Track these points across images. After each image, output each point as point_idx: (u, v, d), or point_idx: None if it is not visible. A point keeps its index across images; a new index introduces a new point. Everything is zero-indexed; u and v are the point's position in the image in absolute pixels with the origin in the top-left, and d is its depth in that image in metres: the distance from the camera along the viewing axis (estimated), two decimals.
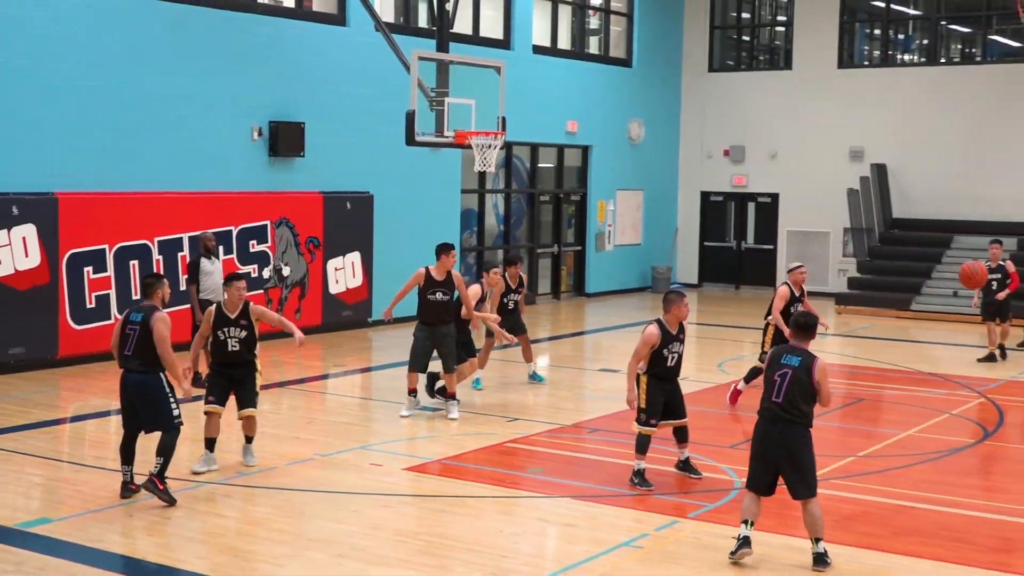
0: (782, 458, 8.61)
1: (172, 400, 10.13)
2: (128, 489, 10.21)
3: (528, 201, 26.21)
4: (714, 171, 29.96)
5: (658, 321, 10.88)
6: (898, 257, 26.54)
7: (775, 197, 29.29)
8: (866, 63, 28.80)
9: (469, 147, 17.07)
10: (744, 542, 8.70)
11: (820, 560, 8.63)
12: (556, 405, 14.96)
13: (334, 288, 20.60)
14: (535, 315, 23.95)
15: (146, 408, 10.08)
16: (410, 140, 16.68)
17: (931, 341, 21.87)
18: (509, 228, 25.49)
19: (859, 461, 12.10)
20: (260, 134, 19.44)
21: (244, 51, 19.17)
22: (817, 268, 28.54)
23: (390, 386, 15.91)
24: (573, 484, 11.02)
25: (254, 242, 19.21)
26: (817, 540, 8.67)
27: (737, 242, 29.92)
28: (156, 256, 17.61)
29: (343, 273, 20.79)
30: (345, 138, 20.89)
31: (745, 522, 8.75)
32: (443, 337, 13.75)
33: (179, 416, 10.15)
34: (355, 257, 20.98)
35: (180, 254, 17.90)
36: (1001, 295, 18.87)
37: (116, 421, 13.70)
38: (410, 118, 16.52)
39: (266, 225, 19.39)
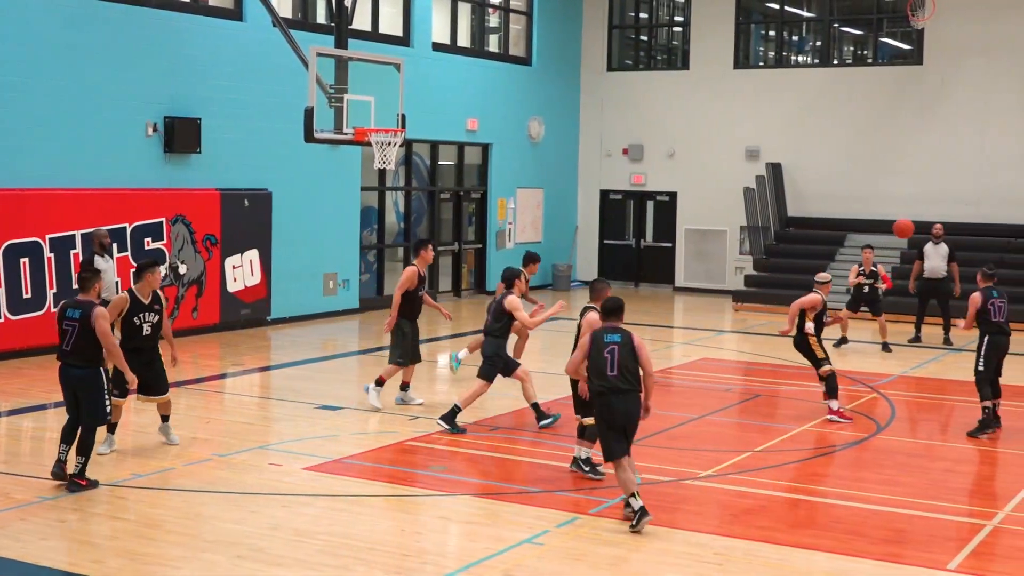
0: (628, 423, 9.73)
1: (106, 395, 10.46)
2: (61, 468, 10.40)
3: (428, 199, 26.17)
4: (613, 170, 30.17)
5: (591, 308, 11.15)
6: (793, 255, 26.97)
7: (673, 196, 29.59)
8: (761, 64, 29.23)
9: (369, 144, 17.00)
10: (643, 512, 9.44)
11: (644, 512, 9.47)
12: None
13: (232, 286, 20.38)
14: (435, 313, 23.86)
15: (87, 402, 10.38)
16: (309, 137, 16.56)
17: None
18: (409, 226, 25.42)
19: (756, 456, 12.27)
20: (155, 130, 19.15)
21: (139, 45, 18.86)
22: (714, 266, 28.89)
23: (289, 386, 15.79)
24: (474, 482, 11.04)
25: (149, 239, 18.92)
26: (635, 495, 9.53)
27: (636, 240, 30.17)
28: (48, 254, 17.26)
29: (241, 271, 20.57)
30: (243, 134, 20.67)
31: (633, 495, 9.53)
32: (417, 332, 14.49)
33: (109, 411, 10.59)
34: (253, 255, 20.77)
35: (73, 252, 17.55)
36: (881, 286, 19.82)
37: (5, 424, 13.39)
38: (309, 115, 16.40)
39: (162, 222, 19.11)
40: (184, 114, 19.56)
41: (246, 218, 20.56)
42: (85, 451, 10.35)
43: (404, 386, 14.53)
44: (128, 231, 18.55)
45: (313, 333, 20.75)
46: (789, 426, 13.81)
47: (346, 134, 16.98)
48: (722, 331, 22.83)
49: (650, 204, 30.13)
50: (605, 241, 30.41)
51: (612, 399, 9.67)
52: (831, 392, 14.11)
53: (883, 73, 27.32)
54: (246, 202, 20.62)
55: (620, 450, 9.69)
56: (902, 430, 13.87)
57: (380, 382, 14.20)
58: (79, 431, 10.40)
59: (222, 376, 16.65)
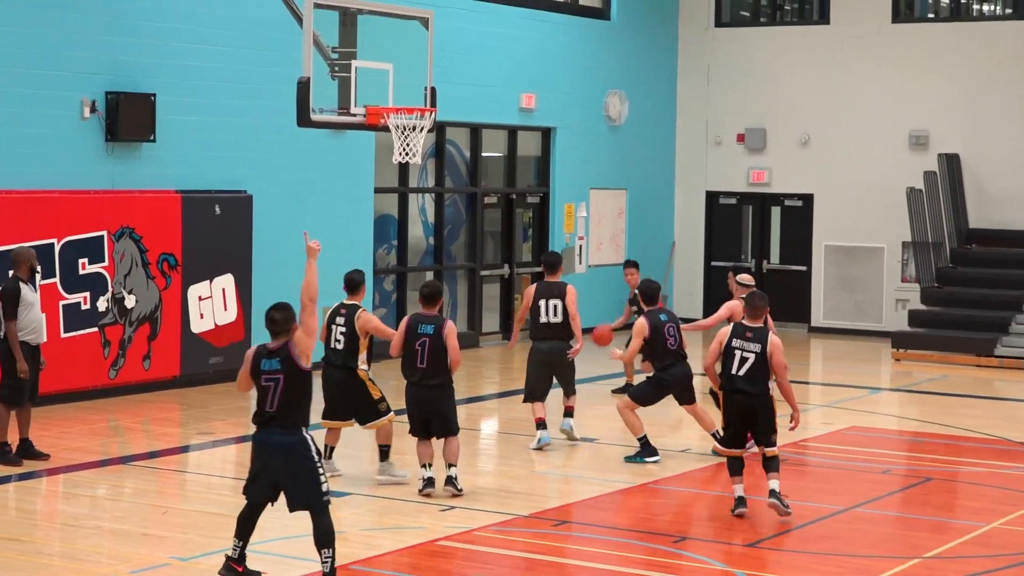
0: (434, 415, 14.10)
1: None
2: None
3: (468, 204, 26.24)
4: (724, 163, 30.11)
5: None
6: (977, 283, 26.74)
7: (808, 199, 29.48)
8: (931, 16, 29.09)
9: (386, 129, 17.05)
10: (429, 482, 14.02)
11: (450, 482, 14.06)
12: (507, 487, 14.96)
13: (197, 325, 20.50)
14: (478, 362, 23.95)
15: None
16: (303, 119, 16.63)
17: (1023, 399, 22.07)
18: (441, 242, 25.48)
19: (926, 565, 12.16)
20: (94, 110, 19.33)
21: None
22: (866, 298, 28.72)
23: None
24: None
25: (84, 261, 19.07)
26: (451, 466, 14.08)
27: (757, 261, 30.07)
28: None
29: (210, 304, 20.69)
30: (212, 116, 20.82)
31: (425, 465, 14.09)
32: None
33: None
34: (227, 281, 20.89)
35: None
36: None
37: None
38: (303, 89, 16.48)
39: (102, 237, 19.27)
40: (132, 88, 19.73)
41: (217, 231, 20.68)
42: None
43: (541, 423, 16.88)
44: (56, 249, 18.72)
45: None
46: (973, 523, 13.67)
47: (354, 115, 17.06)
48: (878, 389, 22.66)
49: (776, 211, 30.02)
50: (713, 263, 30.33)
51: (418, 391, 14.20)
52: None
53: None
54: (217, 209, 20.75)
55: (420, 432, 14.29)
56: None
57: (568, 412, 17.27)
58: None
59: (183, 449, 16.73)
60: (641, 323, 15.92)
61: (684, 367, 15.99)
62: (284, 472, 10.79)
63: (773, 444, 13.62)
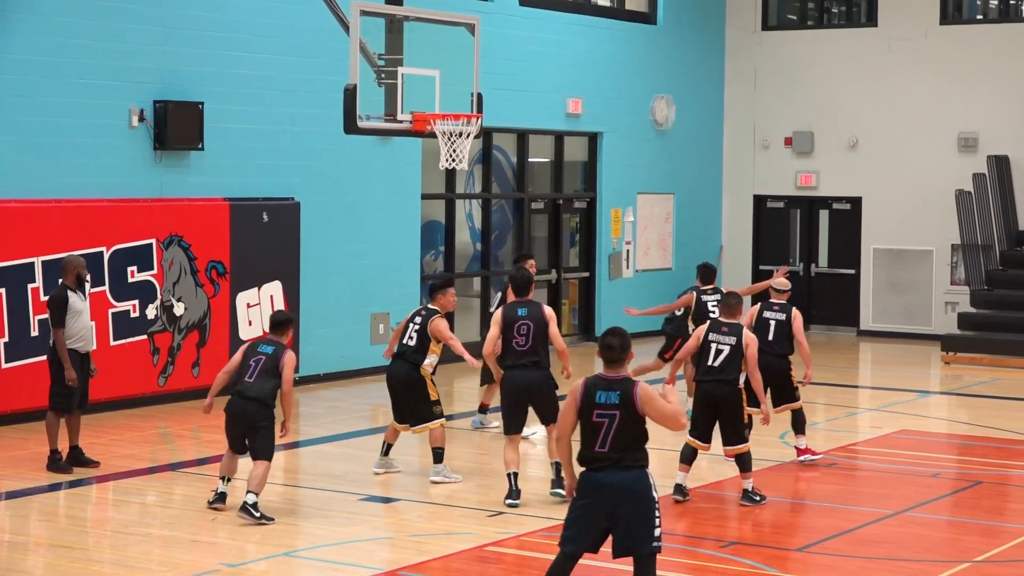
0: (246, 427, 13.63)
1: None
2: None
3: (515, 210, 26.25)
4: (772, 167, 30.04)
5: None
6: None
7: (857, 203, 29.38)
8: (980, 17, 28.94)
9: (433, 135, 17.07)
10: (221, 497, 13.63)
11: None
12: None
13: (246, 332, 20.54)
14: None
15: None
16: (351, 127, 16.66)
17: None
18: (489, 248, 25.50)
19: (977, 569, 12.10)
20: (142, 119, 19.43)
21: (119, 4, 19.16)
22: (915, 301, 28.58)
23: (325, 469, 15.89)
24: None
25: (133, 269, 19.16)
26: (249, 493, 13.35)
27: (806, 265, 29.97)
28: None
29: (258, 311, 20.75)
30: (260, 124, 20.89)
31: (223, 479, 13.72)
32: None
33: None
34: (275, 288, 20.95)
35: (31, 286, 17.84)
36: None
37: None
38: (350, 96, 16.51)
39: (151, 245, 19.36)
40: (181, 97, 19.82)
41: (265, 239, 20.75)
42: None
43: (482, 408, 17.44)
44: (105, 257, 18.80)
45: (357, 395, 20.85)
46: None
47: (401, 122, 17.09)
48: (928, 392, 22.55)
49: (824, 215, 29.92)
50: (761, 267, 30.25)
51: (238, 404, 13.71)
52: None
53: None
54: (265, 216, 20.82)
55: (231, 446, 14.05)
56: None
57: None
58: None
59: None
60: (497, 316, 14.58)
61: (531, 371, 14.35)
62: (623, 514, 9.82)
63: (738, 443, 14.19)
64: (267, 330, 14.72)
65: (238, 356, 13.85)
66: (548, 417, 14.31)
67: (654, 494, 9.74)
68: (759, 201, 30.38)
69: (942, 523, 13.97)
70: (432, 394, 14.95)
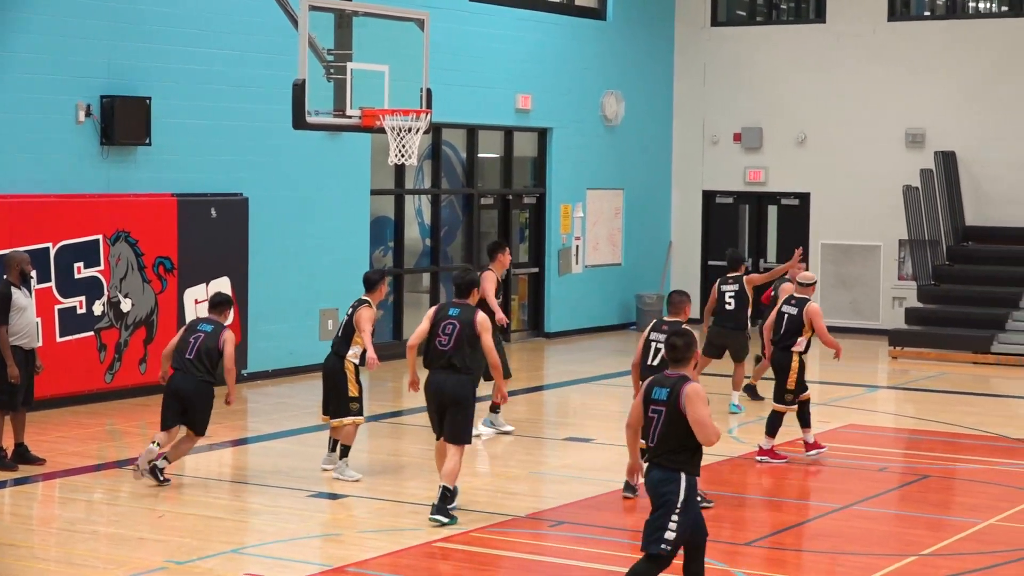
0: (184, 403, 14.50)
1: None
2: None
3: (465, 205, 26.22)
4: (721, 163, 30.10)
5: None
6: (974, 280, 26.75)
7: (805, 198, 29.47)
8: (928, 14, 29.05)
9: (382, 131, 17.05)
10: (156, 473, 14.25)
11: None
12: (505, 488, 14.95)
13: None
14: None
15: None
16: (299, 122, 16.63)
17: (1020, 395, 22.06)
18: (438, 243, 25.47)
19: (923, 562, 12.15)
20: (89, 114, 19.33)
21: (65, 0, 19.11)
22: (862, 296, 28.70)
23: (272, 466, 15.83)
24: None
25: (80, 265, 19.06)
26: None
27: (754, 260, 30.04)
28: None
29: (206, 307, 20.65)
30: (208, 119, 20.80)
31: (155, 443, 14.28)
32: None
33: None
34: (223, 284, 20.86)
35: None
36: None
37: None
38: (299, 91, 16.47)
39: (97, 241, 19.27)
40: (128, 92, 19.72)
41: (213, 234, 20.68)
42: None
43: (494, 407, 17.44)
44: (51, 253, 18.70)
45: (306, 392, 20.78)
46: (970, 520, 13.67)
47: (350, 117, 17.06)
48: (875, 387, 22.65)
49: (772, 210, 30.01)
50: (710, 262, 30.32)
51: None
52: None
53: None
54: (213, 212, 20.74)
55: (163, 424, 14.65)
56: None
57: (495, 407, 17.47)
58: None
59: None
60: (430, 312, 14.08)
61: (448, 374, 13.46)
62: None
63: None
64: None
65: (178, 335, 14.76)
66: (451, 429, 13.20)
67: (676, 499, 9.86)
68: (708, 197, 30.43)
69: (889, 517, 14.01)
70: (351, 390, 14.85)
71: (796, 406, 16.19)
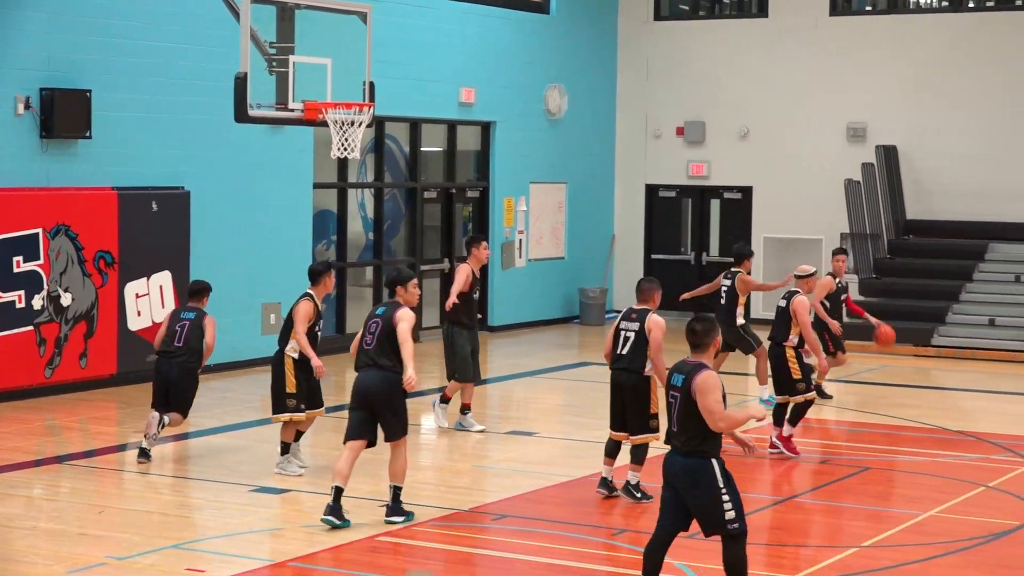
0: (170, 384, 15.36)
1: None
2: None
3: (408, 199, 26.19)
4: (664, 157, 30.16)
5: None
6: (915, 273, 26.94)
7: (748, 192, 29.58)
8: (869, 8, 29.20)
9: (324, 124, 17.02)
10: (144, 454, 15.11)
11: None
12: (448, 482, 14.99)
13: (134, 323, 20.39)
14: (418, 357, 23.82)
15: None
16: (241, 115, 16.58)
17: (960, 388, 22.21)
18: (381, 236, 25.43)
19: (864, 554, 12.21)
20: (28, 106, 19.21)
21: None
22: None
23: (214, 460, 15.79)
24: None
25: (19, 259, 18.94)
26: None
27: (696, 254, 30.14)
28: None
29: (147, 301, 20.59)
30: (149, 112, 20.71)
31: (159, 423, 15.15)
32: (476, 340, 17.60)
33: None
34: (164, 279, 20.79)
35: None
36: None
37: None
38: (241, 84, 16.42)
39: (37, 234, 19.15)
40: (68, 84, 19.61)
41: (154, 228, 20.58)
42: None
43: (464, 408, 17.43)
44: None
45: (248, 386, 20.74)
46: (911, 512, 13.76)
47: (293, 111, 17.02)
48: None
49: (715, 204, 30.10)
50: (654, 256, 30.41)
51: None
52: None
53: None
54: (154, 206, 20.65)
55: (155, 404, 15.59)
56: None
57: (445, 399, 17.59)
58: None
59: (120, 448, 16.62)
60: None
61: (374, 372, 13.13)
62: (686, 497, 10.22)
63: (640, 433, 13.83)
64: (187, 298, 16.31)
65: (165, 323, 15.83)
66: (387, 430, 12.95)
67: (716, 483, 10.05)
68: (651, 190, 30.50)
69: (830, 509, 14.10)
70: (288, 385, 14.76)
71: (814, 392, 16.32)
